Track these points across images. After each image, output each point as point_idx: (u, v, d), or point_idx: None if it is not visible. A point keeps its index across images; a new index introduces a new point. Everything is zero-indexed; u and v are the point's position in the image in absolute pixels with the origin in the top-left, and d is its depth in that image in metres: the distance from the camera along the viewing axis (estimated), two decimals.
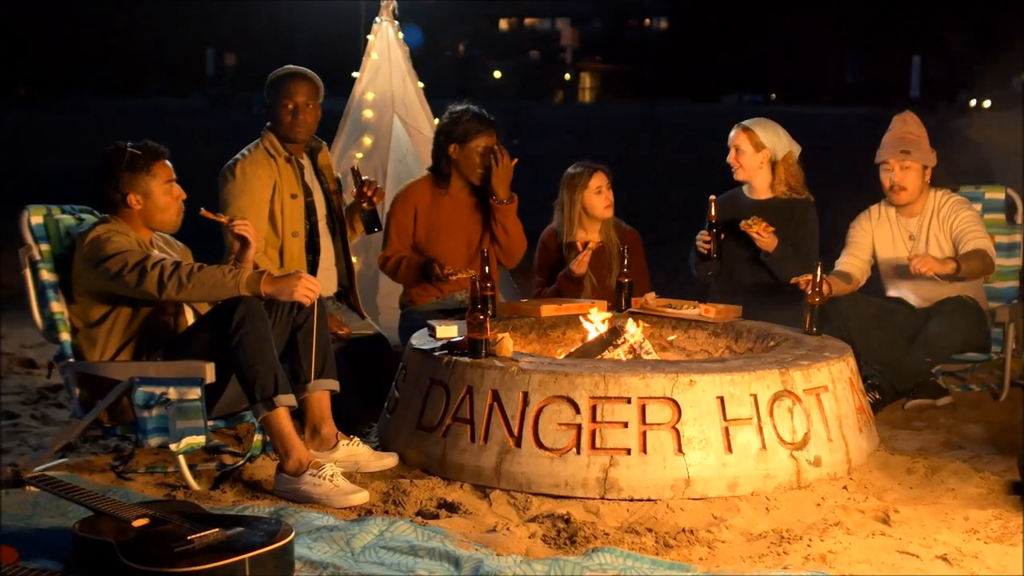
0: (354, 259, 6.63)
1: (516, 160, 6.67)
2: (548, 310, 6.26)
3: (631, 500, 4.87)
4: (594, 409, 4.96)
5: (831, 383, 5.30)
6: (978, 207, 6.81)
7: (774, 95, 68.38)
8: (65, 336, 5.24)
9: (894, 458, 5.50)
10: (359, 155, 7.76)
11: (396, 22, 7.98)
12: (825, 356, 5.44)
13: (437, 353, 5.41)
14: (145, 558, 3.83)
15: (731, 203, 6.93)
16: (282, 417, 4.98)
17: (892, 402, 6.36)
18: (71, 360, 5.22)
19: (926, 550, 4.34)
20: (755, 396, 5.06)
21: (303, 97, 6.18)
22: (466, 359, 5.26)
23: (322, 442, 5.35)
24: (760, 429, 5.03)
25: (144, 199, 5.24)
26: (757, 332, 6.03)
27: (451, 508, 4.80)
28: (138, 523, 4.05)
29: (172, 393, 4.95)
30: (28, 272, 5.30)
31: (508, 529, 4.54)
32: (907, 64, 53.90)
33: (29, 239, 5.31)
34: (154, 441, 4.98)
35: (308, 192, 6.28)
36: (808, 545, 4.38)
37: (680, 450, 4.93)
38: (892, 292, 6.71)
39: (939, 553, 4.31)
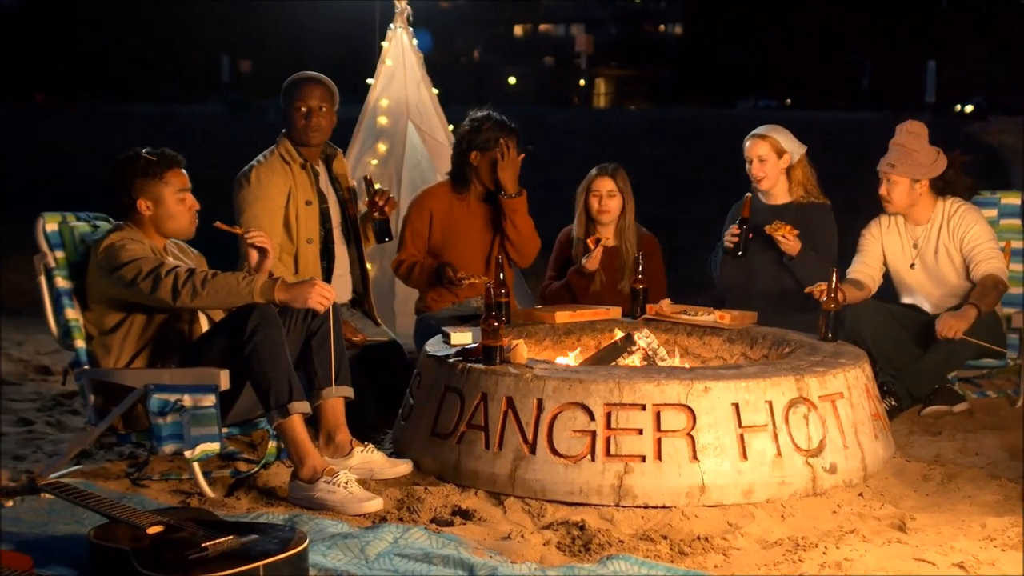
0: (369, 266, 6.63)
1: (523, 155, 6.65)
2: (563, 317, 6.25)
3: (646, 507, 4.86)
4: (609, 416, 4.95)
5: (847, 390, 5.29)
6: (994, 212, 6.80)
7: (789, 100, 68.28)
8: (80, 343, 5.24)
9: (910, 465, 5.48)
10: (374, 162, 7.77)
11: (411, 28, 7.98)
12: (841, 363, 5.42)
13: (452, 360, 5.40)
14: (160, 565, 3.84)
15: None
16: (296, 424, 4.98)
17: (908, 409, 6.33)
18: (86, 367, 5.23)
19: (943, 557, 4.32)
20: (770, 403, 5.04)
21: (316, 101, 6.18)
22: (481, 366, 5.25)
23: (336, 449, 5.35)
24: (775, 436, 5.02)
25: (154, 206, 5.24)
26: (772, 338, 6.02)
27: (465, 515, 4.79)
28: (153, 530, 4.05)
29: (187, 400, 4.95)
30: (43, 279, 5.30)
31: (523, 536, 4.53)
32: (922, 69, 53.81)
33: (44, 246, 5.31)
34: (169, 448, 4.97)
35: (323, 199, 6.28)
36: (824, 553, 4.36)
37: (695, 457, 4.91)
38: (906, 299, 6.69)
39: (956, 561, 4.29)
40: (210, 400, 4.95)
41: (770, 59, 69.84)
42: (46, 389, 7.11)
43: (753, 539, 4.55)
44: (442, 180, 6.99)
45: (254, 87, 57.71)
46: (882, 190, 6.53)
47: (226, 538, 3.96)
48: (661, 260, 7.06)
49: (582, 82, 78.32)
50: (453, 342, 5.62)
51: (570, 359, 6.04)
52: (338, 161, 6.47)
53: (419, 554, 4.27)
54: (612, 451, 4.92)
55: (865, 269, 6.65)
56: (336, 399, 5.35)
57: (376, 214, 6.25)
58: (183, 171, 5.32)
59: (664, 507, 4.85)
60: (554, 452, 4.97)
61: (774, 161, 6.84)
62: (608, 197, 6.85)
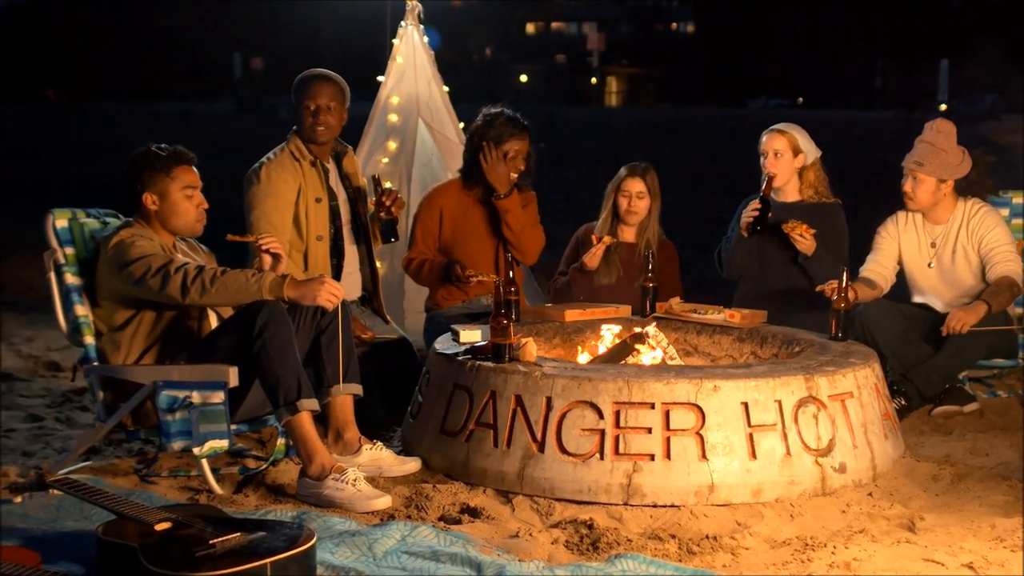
0: (378, 263, 6.63)
1: (528, 152, 6.63)
2: (572, 315, 6.25)
3: (654, 506, 4.85)
4: (618, 414, 4.94)
5: (856, 389, 5.27)
6: (1005, 212, 6.78)
7: (800, 99, 68.19)
8: (89, 339, 5.25)
9: (920, 465, 5.46)
10: (384, 159, 7.77)
11: (421, 26, 7.98)
12: (851, 362, 5.41)
13: (461, 358, 5.40)
14: (167, 562, 3.83)
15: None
16: (305, 421, 4.98)
17: (918, 408, 6.32)
18: (95, 363, 5.23)
19: (952, 558, 4.31)
20: (780, 402, 5.03)
21: (325, 99, 6.18)
22: (489, 364, 5.25)
23: (345, 446, 5.35)
24: (785, 435, 5.01)
25: (160, 200, 5.24)
26: (783, 337, 6.00)
27: (474, 513, 4.78)
28: (161, 527, 4.05)
29: (195, 397, 4.95)
30: (53, 276, 5.31)
31: (531, 535, 4.53)
32: (935, 68, 53.70)
33: (54, 242, 5.32)
34: (177, 445, 4.98)
35: (333, 196, 6.28)
36: (833, 552, 4.35)
37: (704, 456, 4.91)
38: (917, 298, 6.68)
39: (965, 561, 4.28)
40: (219, 397, 4.95)
41: (782, 58, 69.73)
42: (56, 385, 7.12)
43: (762, 539, 4.54)
44: (453, 178, 6.99)
45: (266, 85, 57.77)
46: (907, 186, 6.50)
47: (234, 535, 3.95)
48: (677, 268, 7.05)
49: (593, 80, 78.28)
50: (462, 340, 5.61)
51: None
52: (348, 159, 6.47)
53: (427, 552, 4.26)
54: (621, 450, 4.91)
55: (878, 268, 6.64)
56: (345, 396, 5.35)
57: (383, 214, 6.25)
58: (193, 169, 5.32)
59: (673, 506, 4.84)
60: (563, 450, 4.96)
61: (789, 158, 6.82)
62: (637, 198, 6.85)
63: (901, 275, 6.74)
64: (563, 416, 4.99)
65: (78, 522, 4.61)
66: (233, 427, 5.10)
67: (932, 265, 6.56)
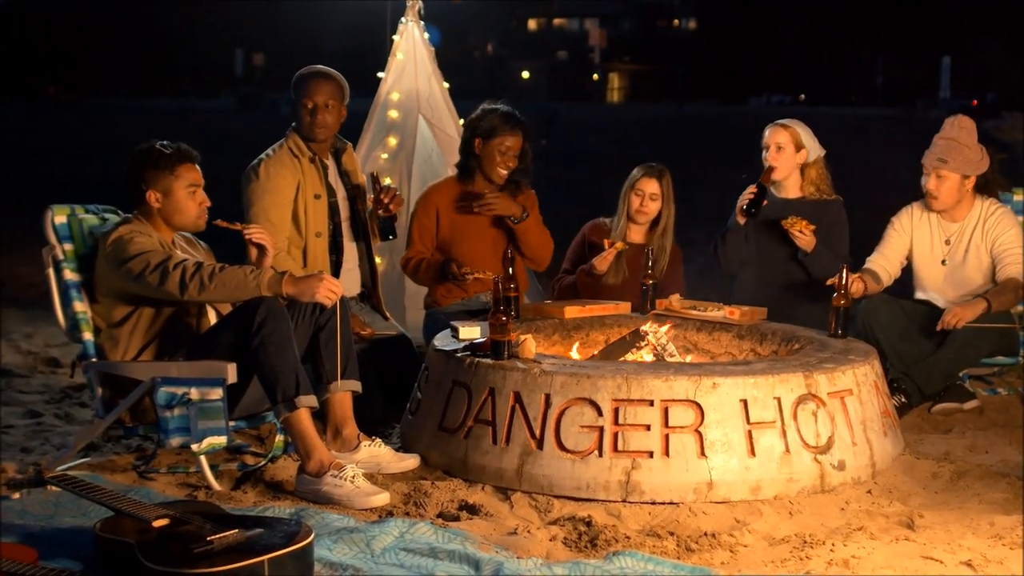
0: (378, 260, 6.62)
1: (522, 136, 6.63)
2: (572, 312, 6.24)
3: (653, 503, 4.85)
4: (616, 411, 4.93)
5: (856, 386, 5.27)
6: (1007, 206, 6.76)
7: (802, 96, 68.18)
8: (88, 336, 5.25)
9: (919, 462, 5.46)
10: (384, 155, 7.76)
11: (422, 22, 7.97)
12: (850, 359, 5.40)
13: (459, 354, 5.39)
14: (165, 559, 3.83)
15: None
16: (303, 418, 4.98)
17: (918, 406, 6.31)
18: (94, 360, 5.23)
19: (950, 556, 4.30)
20: (779, 399, 5.02)
21: (323, 97, 6.17)
22: (488, 360, 5.24)
23: (344, 443, 5.34)
24: (784, 432, 5.00)
25: (163, 198, 5.24)
26: (782, 334, 6.00)
27: (472, 510, 4.78)
28: (158, 523, 4.05)
29: (194, 393, 4.94)
30: (51, 272, 5.31)
31: (529, 531, 4.52)
32: (937, 65, 53.70)
33: (52, 239, 5.33)
34: (176, 441, 4.97)
35: (332, 193, 6.27)
36: (831, 550, 4.35)
37: (703, 453, 4.90)
38: (920, 294, 6.67)
39: (964, 559, 4.27)
40: (217, 393, 4.95)
41: (784, 55, 69.71)
42: (55, 381, 7.12)
43: (760, 536, 4.54)
44: (448, 175, 6.98)
45: (267, 81, 57.78)
46: (930, 184, 6.48)
47: (231, 531, 3.96)
48: (681, 270, 7.03)
49: (595, 77, 78.25)
50: (461, 337, 5.61)
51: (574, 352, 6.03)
52: (347, 155, 6.46)
53: (425, 549, 4.26)
54: (620, 447, 4.91)
55: (883, 262, 6.63)
56: (343, 393, 5.34)
57: (381, 211, 6.24)
58: (196, 167, 5.32)
59: (671, 503, 4.84)
60: (561, 447, 4.96)
61: (791, 152, 6.81)
62: (650, 199, 6.82)
63: (904, 270, 6.73)
64: (562, 413, 4.99)
65: (76, 518, 4.60)
66: (232, 423, 5.09)
67: (946, 263, 6.54)
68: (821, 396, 5.12)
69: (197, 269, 4.96)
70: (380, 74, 7.97)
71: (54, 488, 4.57)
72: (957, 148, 6.42)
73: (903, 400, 6.15)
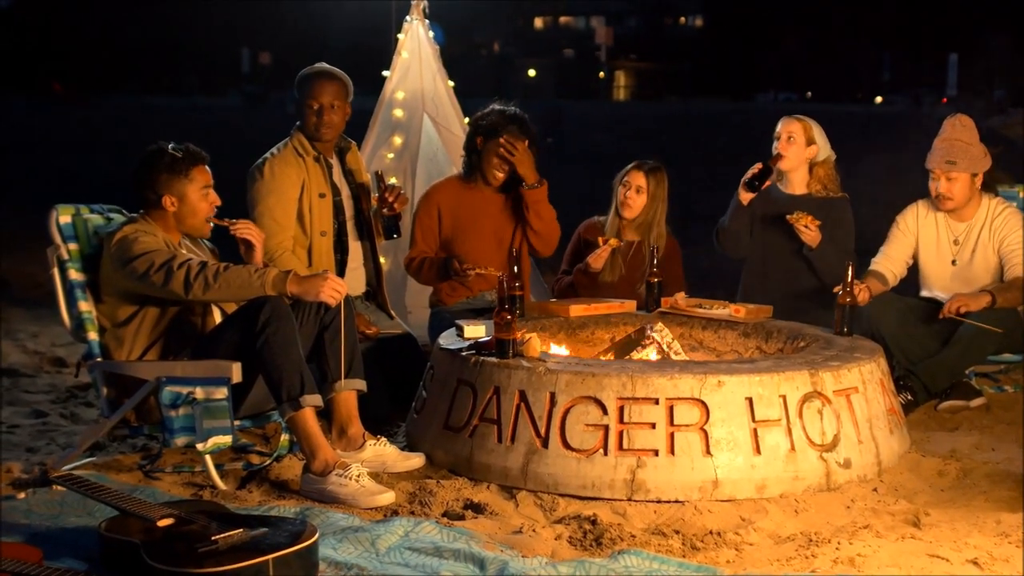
0: (382, 259, 6.62)
1: (527, 141, 6.61)
2: (577, 310, 6.23)
3: (658, 502, 4.84)
4: (621, 410, 4.93)
5: (861, 384, 5.26)
6: (1013, 205, 6.74)
7: (809, 93, 68.07)
8: (93, 335, 5.25)
9: (925, 460, 5.45)
10: (389, 155, 7.76)
11: (427, 21, 7.96)
12: (856, 357, 5.39)
13: (465, 353, 5.39)
14: (170, 558, 3.84)
15: (765, 197, 6.90)
16: (308, 417, 4.98)
17: (924, 403, 6.30)
18: (99, 359, 5.24)
19: (957, 554, 4.30)
20: (784, 397, 5.02)
21: (328, 97, 6.17)
22: (493, 359, 5.24)
23: (349, 442, 5.34)
24: (789, 431, 4.99)
25: (179, 202, 5.25)
26: (787, 332, 5.99)
27: (477, 509, 4.78)
28: (163, 523, 4.06)
29: (199, 393, 4.95)
30: (56, 271, 5.31)
31: (534, 530, 4.52)
32: (944, 62, 53.56)
33: (57, 238, 5.33)
34: (181, 441, 4.98)
35: (336, 191, 6.27)
36: (837, 548, 4.34)
37: (708, 451, 4.89)
38: (926, 293, 6.65)
39: (970, 557, 4.27)
40: (222, 393, 4.95)
41: (790, 52, 69.58)
42: (60, 381, 7.12)
43: (766, 534, 4.53)
44: (451, 174, 6.98)
45: (274, 79, 57.78)
46: (942, 188, 6.45)
47: (236, 531, 3.96)
48: (681, 263, 7.01)
49: (602, 75, 78.17)
50: (466, 335, 5.60)
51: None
52: (352, 154, 6.46)
53: (430, 548, 4.26)
54: (625, 445, 4.90)
55: (888, 264, 6.62)
56: (349, 392, 5.34)
57: (385, 210, 6.24)
58: (207, 167, 5.33)
59: (677, 502, 4.83)
60: (566, 446, 4.96)
61: (801, 144, 6.81)
62: (635, 192, 6.79)
63: (911, 269, 6.72)
64: (567, 412, 4.98)
65: (81, 518, 4.61)
66: (237, 423, 5.10)
67: (956, 263, 6.52)
68: (827, 394, 5.11)
69: (201, 268, 4.97)
70: (385, 73, 7.97)
71: (59, 488, 4.58)
72: (963, 148, 6.40)
73: (909, 398, 6.14)
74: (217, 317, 5.39)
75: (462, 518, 4.69)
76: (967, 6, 59.97)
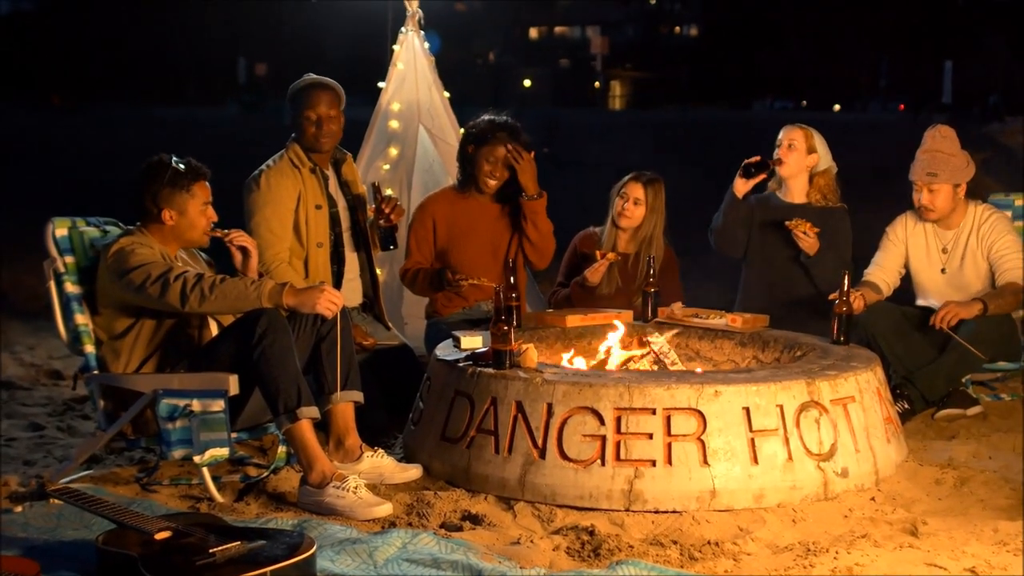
0: (379, 270, 6.63)
1: (533, 152, 6.63)
2: (574, 321, 6.23)
3: (656, 512, 4.84)
4: (619, 420, 4.93)
5: (858, 393, 5.26)
6: (1008, 214, 6.76)
7: (804, 102, 68.13)
8: (89, 348, 5.25)
9: (923, 469, 5.45)
10: (385, 166, 7.76)
11: (422, 32, 7.97)
12: (852, 366, 5.40)
13: (461, 364, 5.39)
14: (168, 571, 3.85)
15: (765, 205, 6.91)
16: (305, 429, 4.97)
17: (921, 412, 6.30)
18: (96, 372, 5.23)
19: (954, 562, 4.30)
20: (781, 407, 5.02)
21: (325, 107, 6.18)
22: (490, 370, 5.24)
23: (346, 454, 5.34)
24: (786, 440, 5.00)
25: (178, 216, 5.25)
26: (784, 342, 5.99)
27: (475, 520, 4.78)
28: (161, 536, 4.05)
29: (196, 405, 4.94)
30: (53, 284, 5.31)
31: (532, 541, 4.52)
32: (939, 69, 53.62)
33: (53, 251, 5.33)
34: (178, 453, 4.97)
35: (332, 203, 6.28)
36: (835, 558, 4.34)
37: (705, 461, 4.89)
38: (921, 301, 6.67)
39: (968, 566, 4.27)
40: (219, 405, 4.95)
41: (786, 60, 69.64)
42: (57, 393, 7.12)
43: (764, 544, 4.53)
44: (445, 186, 7.00)
45: (270, 89, 57.83)
46: (924, 200, 6.47)
47: (234, 543, 3.96)
48: (678, 273, 7.01)
49: (597, 84, 78.21)
50: (463, 346, 5.60)
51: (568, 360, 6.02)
52: (347, 165, 6.47)
53: (428, 559, 4.25)
54: (622, 455, 4.90)
55: (881, 274, 6.63)
56: (346, 404, 5.34)
57: (382, 221, 6.25)
58: (207, 183, 5.34)
59: (674, 512, 4.83)
60: (564, 457, 4.96)
61: (802, 152, 6.84)
62: (633, 204, 6.79)
63: (905, 278, 6.73)
64: (564, 422, 4.98)
65: (79, 531, 4.60)
66: (234, 435, 5.09)
67: (945, 271, 6.53)
68: (824, 403, 5.11)
69: (198, 281, 4.96)
70: (381, 84, 7.97)
71: (56, 501, 4.57)
72: (943, 159, 6.42)
73: (906, 406, 6.14)
74: (214, 329, 5.39)
75: (460, 529, 4.69)
76: (963, 13, 60.07)
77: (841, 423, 5.14)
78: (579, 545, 4.49)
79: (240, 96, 60.85)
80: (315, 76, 6.34)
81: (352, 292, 6.36)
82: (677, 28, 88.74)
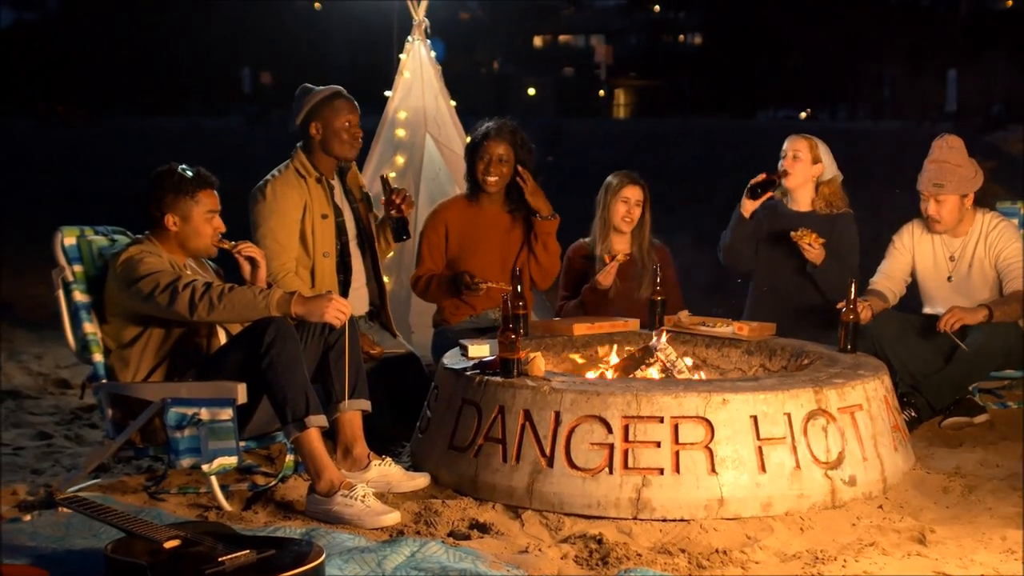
0: (385, 278, 6.64)
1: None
2: (581, 329, 6.24)
3: (664, 520, 4.84)
4: (626, 429, 4.93)
5: (866, 401, 5.26)
6: (1015, 221, 6.76)
7: (804, 114, 68.11)
8: (98, 357, 5.25)
9: (930, 477, 5.45)
10: (392, 174, 7.76)
11: (428, 41, 7.99)
12: (860, 374, 5.40)
13: (469, 373, 5.40)
14: None
15: (771, 214, 6.92)
16: (313, 438, 4.98)
17: (928, 420, 6.30)
18: (104, 381, 5.24)
19: (963, 570, 4.30)
20: (789, 415, 5.02)
21: (352, 115, 6.24)
22: (498, 379, 5.24)
23: (354, 462, 5.34)
24: (794, 448, 5.00)
25: (182, 223, 5.26)
26: (791, 350, 6.00)
27: (483, 529, 4.78)
28: (170, 544, 4.05)
29: (204, 414, 4.95)
30: (61, 293, 5.32)
31: (540, 550, 4.52)
32: (943, 78, 53.60)
33: (62, 260, 5.33)
34: (186, 462, 4.97)
35: (338, 212, 6.29)
36: (843, 566, 4.34)
37: (713, 470, 4.90)
38: (928, 309, 6.66)
39: (976, 574, 4.28)
40: (227, 414, 4.95)
41: (790, 69, 69.62)
42: (65, 403, 7.12)
43: (772, 552, 4.53)
44: (456, 194, 7.02)
45: (275, 99, 57.86)
46: (931, 210, 6.46)
47: (243, 552, 3.96)
48: (673, 269, 7.03)
49: (601, 93, 78.22)
50: (470, 355, 5.61)
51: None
52: (352, 174, 6.48)
53: (436, 568, 4.26)
54: (630, 464, 4.90)
55: (887, 282, 6.63)
56: (353, 412, 5.34)
57: (393, 212, 6.29)
58: (215, 192, 5.34)
59: (682, 520, 4.83)
60: (572, 465, 4.96)
61: (807, 163, 6.84)
62: (635, 206, 6.85)
63: (911, 286, 6.73)
64: (572, 431, 4.99)
65: (87, 540, 4.60)
66: (242, 444, 5.10)
67: (952, 279, 6.53)
68: (831, 411, 5.11)
69: (206, 289, 4.97)
70: (387, 93, 7.99)
71: (65, 510, 4.57)
72: (951, 170, 6.41)
73: (913, 415, 6.14)
74: (222, 338, 5.40)
75: (468, 538, 4.69)
76: (966, 22, 60.07)
77: (849, 431, 5.14)
78: (587, 554, 4.49)
79: (245, 106, 60.92)
80: (335, 86, 6.34)
81: (359, 301, 6.36)
82: (681, 36, 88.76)
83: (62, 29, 67.30)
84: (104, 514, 4.23)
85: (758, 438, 4.96)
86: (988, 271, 6.47)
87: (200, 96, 68.78)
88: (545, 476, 4.99)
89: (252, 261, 5.43)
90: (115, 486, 5.41)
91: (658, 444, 4.91)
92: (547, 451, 5.01)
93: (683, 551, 4.52)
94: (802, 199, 6.93)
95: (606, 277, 6.71)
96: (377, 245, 6.51)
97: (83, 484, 5.31)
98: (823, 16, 63.25)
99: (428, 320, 7.07)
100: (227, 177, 5.52)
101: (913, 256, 6.64)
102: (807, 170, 6.86)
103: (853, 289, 5.80)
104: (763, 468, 4.94)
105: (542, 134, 6.74)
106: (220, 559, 3.89)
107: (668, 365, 5.80)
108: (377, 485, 5.21)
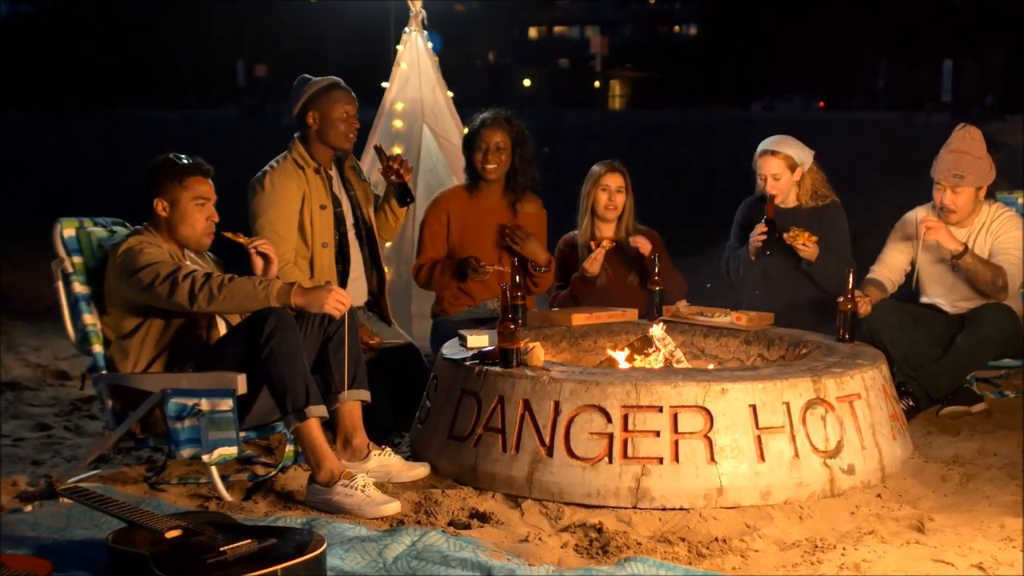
0: (385, 268, 6.64)
1: (520, 143, 6.73)
2: (579, 319, 6.25)
3: (663, 509, 4.86)
4: (626, 418, 4.94)
5: (864, 390, 5.28)
6: (1012, 210, 6.75)
7: (806, 102, 68.15)
8: (98, 348, 5.26)
9: (928, 465, 5.47)
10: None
11: (425, 32, 7.99)
12: (858, 363, 5.41)
13: (468, 363, 5.40)
14: (178, 569, 3.85)
15: (758, 212, 6.89)
16: (313, 428, 4.99)
17: (926, 409, 6.31)
18: (104, 372, 5.24)
19: (961, 559, 4.31)
20: (787, 404, 5.03)
21: (351, 106, 6.22)
22: (497, 369, 5.25)
23: (354, 452, 5.35)
24: (793, 437, 5.01)
25: (170, 207, 5.25)
26: (789, 339, 6.01)
27: (483, 518, 4.79)
28: (171, 534, 4.06)
29: (204, 404, 4.95)
30: (61, 284, 5.32)
31: (540, 539, 4.53)
32: (938, 68, 53.62)
33: (61, 251, 5.33)
34: (186, 452, 4.98)
35: (337, 202, 6.29)
36: (842, 554, 4.36)
37: (712, 459, 4.91)
38: (924, 299, 6.66)
39: (975, 562, 4.28)
40: (227, 404, 4.96)
41: (785, 60, 69.60)
42: (64, 394, 7.12)
43: (771, 541, 4.55)
44: (457, 183, 7.02)
45: (270, 92, 57.80)
46: (947, 200, 6.43)
47: (244, 542, 3.96)
48: (665, 252, 7.02)
49: (597, 84, 78.20)
50: (470, 345, 5.62)
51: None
52: (349, 163, 6.47)
53: (437, 557, 4.27)
54: (629, 453, 4.92)
55: (886, 272, 6.63)
56: (353, 403, 5.35)
57: (393, 177, 6.29)
58: (208, 181, 5.33)
59: (682, 509, 4.85)
60: (571, 454, 4.97)
61: (788, 177, 6.79)
62: (617, 193, 6.87)
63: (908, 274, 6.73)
64: (571, 420, 5.00)
65: (88, 530, 4.61)
66: (242, 434, 5.10)
67: (957, 268, 6.48)
68: (830, 400, 5.13)
69: (206, 280, 4.98)
70: (384, 84, 7.99)
71: (66, 500, 4.57)
72: (971, 161, 6.37)
73: (911, 404, 6.15)
74: (222, 329, 5.40)
75: (468, 527, 4.70)
76: (963, 12, 60.07)
77: (847, 420, 5.15)
78: (587, 542, 4.50)
79: (240, 99, 60.85)
80: (332, 77, 6.34)
81: (357, 291, 6.36)
82: (676, 28, 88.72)
83: (58, 22, 67.17)
84: (105, 504, 4.25)
85: (757, 427, 4.97)
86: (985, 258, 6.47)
87: (195, 89, 68.70)
88: (545, 465, 5.00)
89: (265, 257, 5.43)
90: (115, 476, 5.42)
91: (657, 433, 4.92)
92: (547, 440, 5.02)
93: (683, 540, 4.53)
94: (788, 197, 6.89)
95: (593, 264, 6.73)
96: (384, 221, 6.51)
97: (84, 475, 5.32)
98: (818, 6, 63.21)
99: (427, 311, 7.07)
100: (222, 169, 5.52)
101: (916, 245, 6.60)
102: (790, 181, 6.80)
103: (851, 278, 5.80)
104: (762, 457, 4.95)
105: (538, 126, 6.74)
106: (221, 548, 3.90)
107: (667, 355, 5.81)
108: (377, 475, 5.22)
